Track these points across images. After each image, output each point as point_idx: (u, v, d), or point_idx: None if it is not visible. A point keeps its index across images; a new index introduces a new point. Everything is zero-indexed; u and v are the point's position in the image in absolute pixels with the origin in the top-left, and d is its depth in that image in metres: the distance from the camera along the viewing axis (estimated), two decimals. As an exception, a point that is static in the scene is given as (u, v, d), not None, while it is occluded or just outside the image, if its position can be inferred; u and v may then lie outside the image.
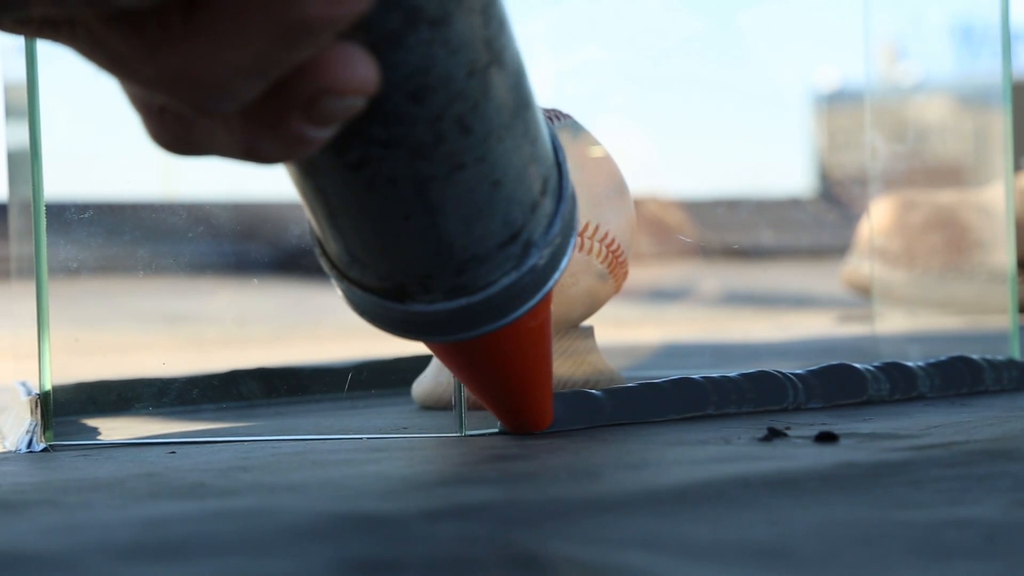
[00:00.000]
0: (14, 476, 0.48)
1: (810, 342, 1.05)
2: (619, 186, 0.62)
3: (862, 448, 0.47)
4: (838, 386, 0.59)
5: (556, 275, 0.43)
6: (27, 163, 0.55)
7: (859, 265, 1.21)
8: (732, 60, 1.05)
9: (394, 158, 0.37)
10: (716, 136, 1.09)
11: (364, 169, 0.37)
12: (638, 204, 0.64)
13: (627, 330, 0.96)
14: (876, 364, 0.61)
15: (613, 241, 0.61)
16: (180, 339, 0.92)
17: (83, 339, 0.61)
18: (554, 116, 0.61)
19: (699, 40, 0.99)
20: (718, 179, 1.18)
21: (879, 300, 1.16)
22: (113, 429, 0.59)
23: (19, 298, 0.60)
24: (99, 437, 0.57)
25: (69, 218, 0.61)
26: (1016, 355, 0.66)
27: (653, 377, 0.57)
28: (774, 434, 0.50)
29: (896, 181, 1.21)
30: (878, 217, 1.23)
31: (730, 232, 1.13)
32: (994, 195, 1.05)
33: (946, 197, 1.24)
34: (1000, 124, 0.70)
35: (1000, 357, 0.65)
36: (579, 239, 0.60)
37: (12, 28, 0.33)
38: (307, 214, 0.41)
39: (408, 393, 0.66)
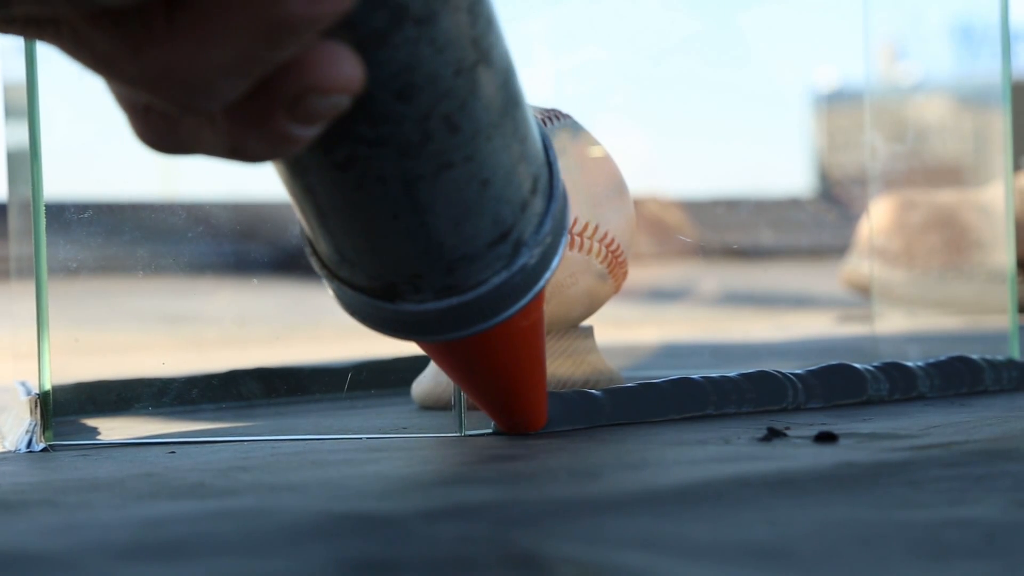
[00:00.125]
0: (13, 476, 0.48)
1: (810, 342, 1.05)
2: (619, 186, 0.62)
3: (862, 448, 0.47)
4: (838, 386, 0.59)
5: (547, 274, 0.43)
6: (27, 163, 0.55)
7: (859, 265, 1.21)
8: (732, 60, 1.05)
9: (382, 157, 0.37)
10: (716, 136, 1.09)
11: (352, 168, 0.37)
12: (638, 204, 0.64)
13: (627, 330, 0.96)
14: (876, 364, 0.61)
15: (613, 241, 0.61)
16: (180, 339, 0.92)
17: (83, 339, 0.61)
18: (554, 116, 0.61)
19: (699, 40, 0.99)
20: (718, 179, 1.18)
21: (879, 300, 1.16)
22: (113, 429, 0.59)
23: (19, 298, 0.60)
24: (99, 437, 0.57)
25: (69, 218, 0.61)
26: (1016, 355, 0.66)
27: (653, 377, 0.57)
28: (774, 434, 0.50)
29: (896, 181, 1.21)
30: (878, 217, 1.23)
31: (730, 232, 1.13)
32: (994, 195, 1.05)
33: (946, 197, 1.24)
34: (1000, 124, 0.70)
35: (1000, 357, 0.65)
36: (579, 239, 0.60)
37: None
38: (297, 214, 0.41)
39: (407, 393, 0.66)
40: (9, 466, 0.50)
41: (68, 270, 0.60)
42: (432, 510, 0.39)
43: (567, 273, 0.60)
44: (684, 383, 0.57)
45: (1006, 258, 0.71)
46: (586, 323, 0.63)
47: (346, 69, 0.34)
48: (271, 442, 0.54)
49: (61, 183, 0.57)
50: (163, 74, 0.32)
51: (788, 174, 1.39)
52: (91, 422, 0.61)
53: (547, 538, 0.35)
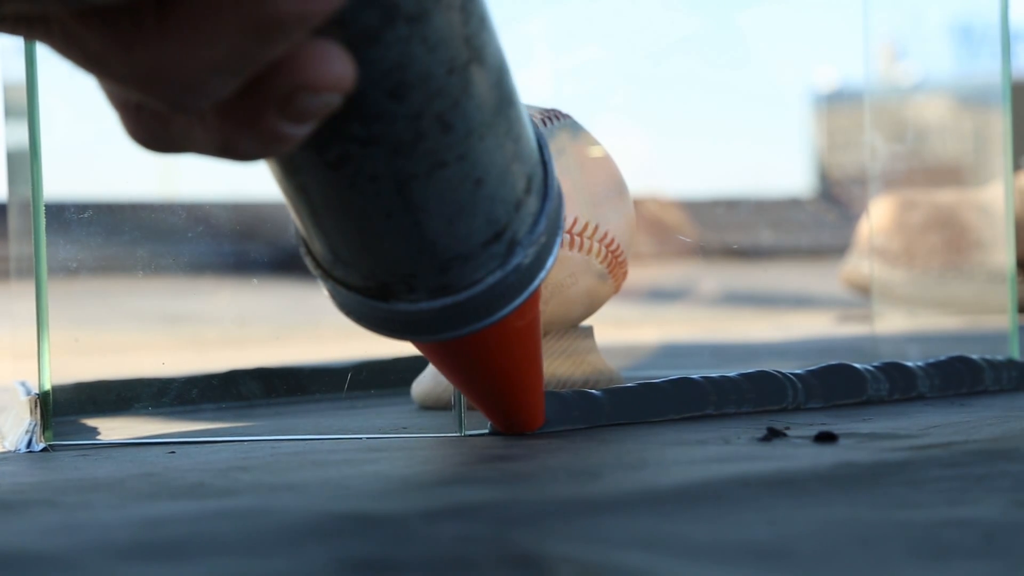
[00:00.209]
0: (13, 476, 0.48)
1: (809, 342, 1.05)
2: (619, 186, 0.62)
3: (861, 448, 0.47)
4: (837, 386, 0.59)
5: (542, 274, 0.43)
6: (26, 163, 0.55)
7: (858, 265, 1.21)
8: (731, 60, 1.05)
9: (374, 156, 0.37)
10: (715, 136, 1.09)
11: (344, 167, 0.37)
12: (638, 204, 0.64)
13: (626, 330, 0.96)
14: (875, 364, 0.61)
15: (613, 241, 0.61)
16: (179, 339, 0.92)
17: (82, 339, 0.61)
18: (554, 116, 0.61)
19: (699, 40, 0.99)
20: (717, 179, 1.18)
21: (878, 300, 1.16)
22: (112, 429, 0.59)
23: (18, 298, 0.60)
24: (98, 437, 0.57)
25: (68, 218, 0.61)
26: (1015, 355, 0.66)
27: (652, 377, 0.57)
28: (773, 434, 0.50)
29: (895, 181, 1.21)
30: (877, 217, 1.23)
31: (729, 232, 1.13)
32: (993, 195, 1.05)
33: (945, 197, 1.24)
34: (999, 124, 0.70)
35: (999, 357, 0.65)
36: (579, 239, 0.60)
37: None
38: (291, 213, 0.41)
39: (407, 393, 0.66)
40: (9, 466, 0.50)
41: (68, 270, 0.60)
42: (432, 510, 0.39)
43: (567, 273, 0.60)
44: (684, 383, 0.57)
45: (1006, 258, 0.71)
46: (586, 323, 0.63)
47: (337, 67, 0.34)
48: (271, 442, 0.54)
49: (61, 183, 0.57)
50: (153, 72, 0.32)
51: (788, 174, 1.39)
52: (91, 422, 0.61)
53: (547, 538, 0.35)
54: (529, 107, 0.62)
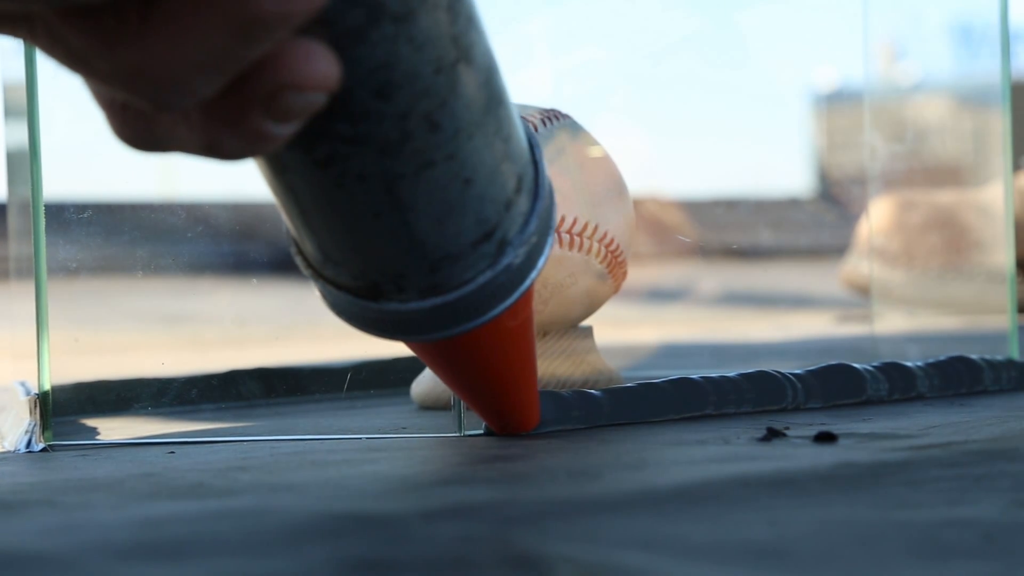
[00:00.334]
0: (13, 476, 0.48)
1: (809, 342, 1.05)
2: (618, 186, 0.62)
3: (861, 448, 0.47)
4: (837, 386, 0.59)
5: (533, 274, 0.43)
6: (26, 163, 0.55)
7: (858, 265, 1.21)
8: (731, 60, 1.05)
9: (361, 155, 0.37)
10: (715, 136, 1.09)
11: (332, 166, 0.37)
12: (637, 204, 0.64)
13: (626, 330, 0.96)
14: (875, 364, 0.61)
15: (612, 241, 0.61)
16: (179, 339, 0.92)
17: (82, 339, 0.61)
18: (553, 116, 0.61)
19: (698, 40, 0.99)
20: (717, 179, 1.18)
21: (878, 300, 1.16)
22: (112, 429, 0.59)
23: (18, 298, 0.60)
24: (98, 437, 0.57)
25: (68, 218, 0.61)
26: (1015, 355, 0.66)
27: (652, 377, 0.57)
28: (773, 434, 0.50)
29: (895, 181, 1.21)
30: (877, 217, 1.23)
31: (729, 232, 1.13)
32: (993, 195, 1.05)
33: (945, 197, 1.24)
34: (999, 124, 0.70)
35: (999, 357, 0.65)
36: (578, 239, 0.60)
37: None
38: (281, 213, 0.41)
39: (407, 393, 0.66)
40: (8, 466, 0.50)
41: (67, 270, 0.60)
42: (431, 510, 0.39)
43: (567, 273, 0.60)
44: (683, 383, 0.57)
45: (1005, 258, 0.71)
46: (585, 323, 0.63)
47: (322, 66, 0.34)
48: (270, 442, 0.54)
49: (60, 183, 0.57)
50: (136, 71, 0.32)
51: (787, 174, 1.39)
52: (90, 422, 0.61)
53: (546, 538, 0.35)
54: (529, 107, 0.62)
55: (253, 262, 0.76)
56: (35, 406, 0.54)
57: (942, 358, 0.63)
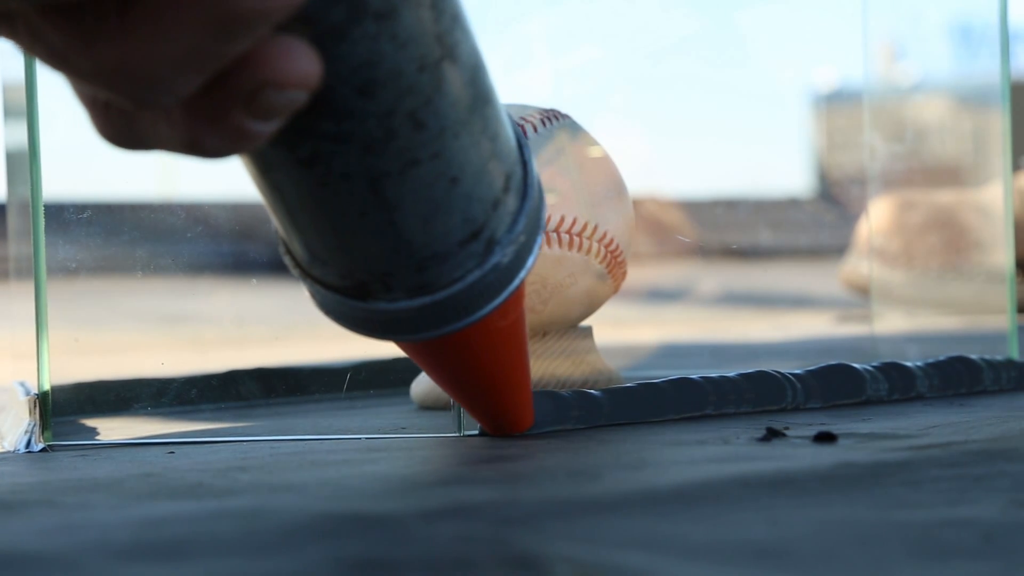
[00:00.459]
0: (12, 476, 0.48)
1: (809, 342, 1.05)
2: (618, 186, 0.62)
3: (860, 448, 0.47)
4: (837, 386, 0.59)
5: (522, 273, 0.43)
6: (26, 163, 0.55)
7: (858, 265, 1.21)
8: (730, 60, 1.05)
9: (345, 153, 0.37)
10: (715, 136, 1.09)
11: (316, 165, 0.37)
12: (637, 204, 0.64)
13: (626, 330, 0.96)
14: (875, 364, 0.61)
15: (612, 241, 0.61)
16: (179, 339, 0.92)
17: (82, 339, 0.61)
18: (553, 116, 0.61)
19: (698, 40, 0.99)
20: (717, 179, 1.18)
21: (878, 300, 1.16)
22: (112, 429, 0.59)
23: (18, 298, 0.60)
24: (98, 437, 0.57)
25: (67, 218, 0.61)
26: (1015, 355, 0.66)
27: (652, 377, 0.57)
28: (773, 434, 0.50)
29: (895, 181, 1.21)
30: (877, 217, 1.23)
31: (729, 232, 1.13)
32: (993, 195, 1.05)
33: (945, 197, 1.24)
34: (999, 124, 0.70)
35: (999, 357, 0.65)
36: (578, 239, 0.60)
37: None
38: (268, 212, 0.41)
39: (407, 393, 0.66)
40: (8, 466, 0.50)
41: (67, 270, 0.60)
42: (431, 510, 0.39)
43: (566, 273, 0.60)
44: (683, 383, 0.57)
45: (1005, 258, 0.71)
46: (585, 323, 0.63)
47: (302, 64, 0.34)
48: (270, 442, 0.54)
49: (60, 183, 0.57)
50: (116, 69, 0.32)
51: (787, 174, 1.39)
52: (90, 422, 0.61)
53: (546, 538, 0.35)
54: (529, 107, 0.62)
55: (252, 262, 0.76)
56: (35, 406, 0.54)
57: (942, 358, 0.63)
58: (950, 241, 1.22)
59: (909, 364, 0.62)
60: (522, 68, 0.77)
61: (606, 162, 0.62)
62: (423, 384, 0.64)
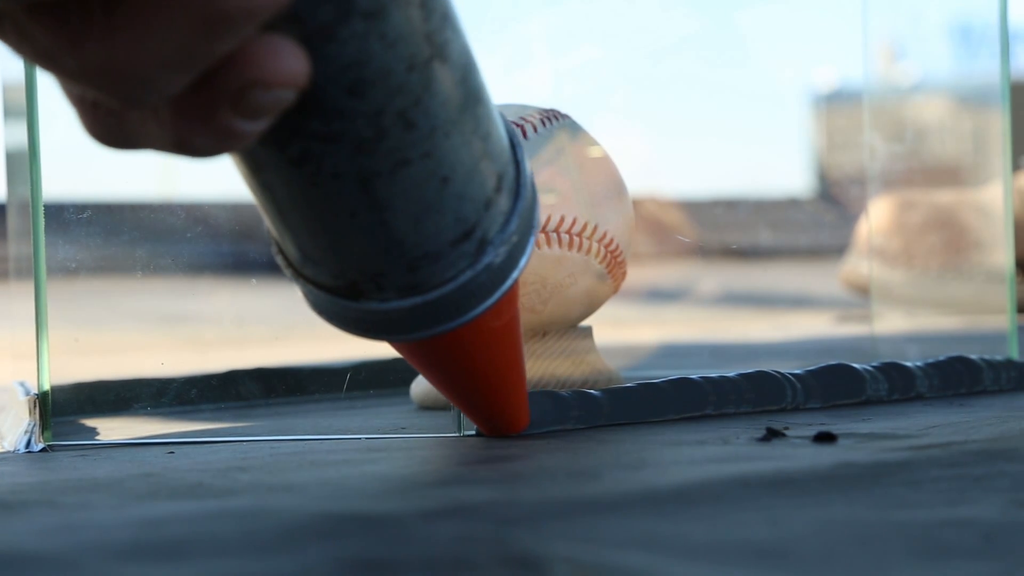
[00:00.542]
0: (12, 476, 0.48)
1: (808, 342, 1.05)
2: (618, 186, 0.62)
3: (860, 448, 0.47)
4: (836, 386, 0.59)
5: (515, 274, 0.43)
6: (25, 163, 0.55)
7: (857, 265, 1.21)
8: (730, 60, 1.05)
9: (335, 153, 0.37)
10: (714, 136, 1.09)
11: (306, 164, 0.37)
12: (637, 204, 0.64)
13: (626, 330, 0.96)
14: (874, 364, 0.61)
15: (612, 241, 0.61)
16: (178, 339, 0.92)
17: (81, 339, 0.61)
18: (553, 116, 0.61)
19: (697, 40, 0.99)
20: (716, 179, 1.18)
21: (877, 300, 1.16)
22: (111, 429, 0.59)
23: (17, 298, 0.60)
24: (97, 437, 0.57)
25: (67, 218, 0.61)
26: (1014, 355, 0.66)
27: (652, 377, 0.57)
28: (772, 434, 0.50)
29: (894, 181, 1.21)
30: (877, 217, 1.23)
31: (729, 232, 1.13)
32: (993, 195, 1.05)
33: (945, 197, 1.24)
34: (998, 124, 0.70)
35: (998, 357, 0.65)
36: (578, 239, 0.60)
37: None
38: (260, 212, 0.41)
39: (406, 393, 0.66)
40: (8, 466, 0.50)
41: (67, 270, 0.60)
42: (431, 510, 0.39)
43: (566, 273, 0.60)
44: (683, 383, 0.57)
45: (1005, 258, 0.71)
46: (585, 323, 0.63)
47: (290, 63, 0.34)
48: (270, 442, 0.54)
49: (60, 183, 0.57)
50: (103, 68, 0.32)
51: (787, 174, 1.39)
52: (90, 422, 0.61)
53: (546, 538, 0.35)
54: (529, 107, 0.62)
55: (252, 262, 0.76)
56: (35, 406, 0.54)
57: (942, 358, 0.63)
58: (950, 241, 1.22)
59: (909, 364, 0.62)
60: (522, 68, 0.77)
61: (606, 162, 0.62)
62: (423, 384, 0.64)
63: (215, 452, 0.51)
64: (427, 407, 0.64)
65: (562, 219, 0.59)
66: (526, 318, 0.60)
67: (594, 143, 0.62)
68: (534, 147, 0.60)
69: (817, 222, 1.37)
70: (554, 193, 0.59)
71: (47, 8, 0.32)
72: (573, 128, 0.62)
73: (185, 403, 0.65)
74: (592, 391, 0.55)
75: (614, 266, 0.61)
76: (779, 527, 0.35)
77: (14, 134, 0.58)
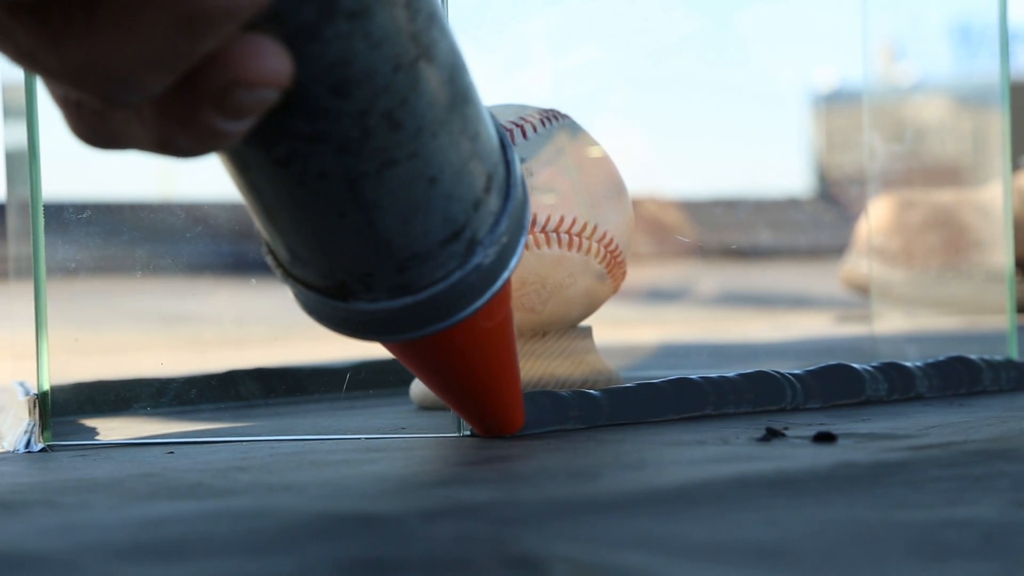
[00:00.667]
0: (12, 476, 0.48)
1: (808, 342, 1.05)
2: (617, 186, 0.62)
3: (860, 448, 0.47)
4: (836, 386, 0.59)
5: (505, 274, 0.43)
6: (25, 163, 0.55)
7: (857, 265, 1.21)
8: (730, 60, 1.05)
9: (321, 153, 0.37)
10: (714, 136, 1.09)
11: (292, 164, 0.37)
12: (636, 204, 0.64)
13: (625, 330, 0.96)
14: (874, 364, 0.61)
15: (611, 241, 0.61)
16: (178, 339, 0.92)
17: (81, 339, 0.61)
18: (552, 116, 0.61)
19: (697, 40, 0.99)
20: (716, 179, 1.18)
21: (877, 300, 1.16)
22: (111, 429, 0.59)
23: (17, 298, 0.60)
24: (97, 437, 0.57)
25: (67, 218, 0.61)
26: (1014, 355, 0.66)
27: (651, 377, 0.57)
28: (772, 434, 0.50)
29: (894, 181, 1.21)
30: (876, 217, 1.23)
31: (728, 232, 1.13)
32: (992, 195, 1.05)
33: (944, 197, 1.24)
34: (998, 124, 0.70)
35: (998, 357, 0.65)
36: (577, 239, 0.60)
37: None
38: (249, 212, 0.41)
39: (406, 393, 0.66)
40: (8, 466, 0.50)
41: (66, 270, 0.60)
42: (431, 510, 0.39)
43: (566, 273, 0.60)
44: (683, 383, 0.57)
45: (1004, 258, 0.71)
46: (585, 323, 0.63)
47: (272, 62, 0.34)
48: (270, 442, 0.54)
49: (60, 183, 0.57)
50: (84, 67, 0.32)
51: (786, 174, 1.39)
52: (90, 422, 0.61)
53: (546, 538, 0.35)
54: (528, 107, 0.62)
55: (252, 262, 0.76)
56: (34, 406, 0.54)
57: (941, 358, 0.63)
58: (950, 241, 1.22)
59: (909, 364, 0.62)
60: (522, 68, 0.77)
61: (606, 162, 0.62)
62: (423, 385, 0.64)
63: (215, 452, 0.51)
64: (427, 407, 0.64)
65: (562, 219, 0.59)
66: (526, 318, 0.60)
67: (594, 143, 0.62)
68: (534, 147, 0.60)
69: (817, 222, 1.37)
70: (554, 193, 0.59)
71: (28, 7, 0.32)
72: (573, 128, 0.62)
73: (185, 403, 0.65)
74: (592, 391, 0.55)
75: (614, 266, 0.61)
76: (779, 527, 0.35)
77: (14, 134, 0.58)
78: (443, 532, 0.35)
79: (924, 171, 1.32)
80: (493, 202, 0.41)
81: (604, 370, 0.63)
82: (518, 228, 0.43)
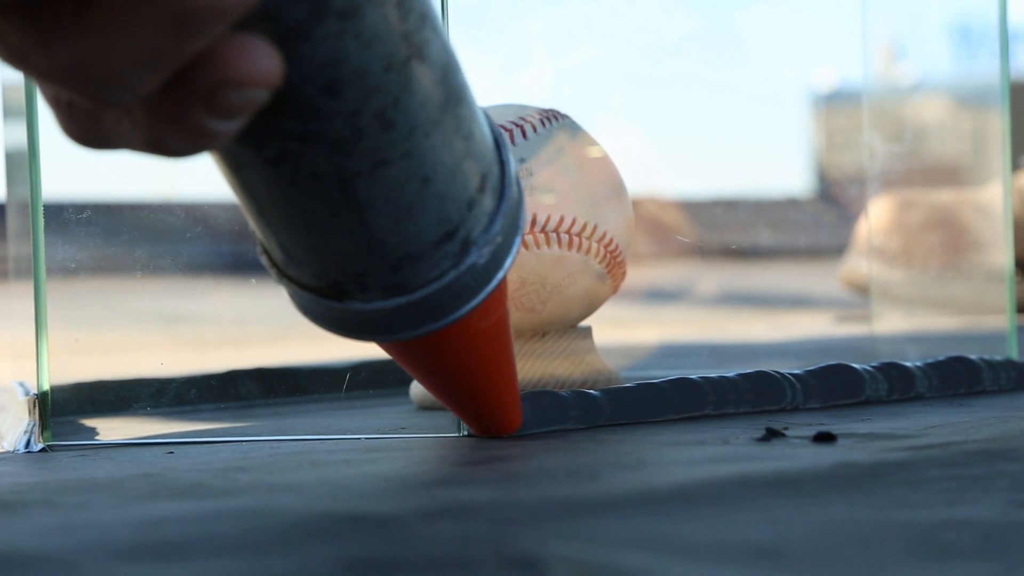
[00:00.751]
0: (12, 476, 0.48)
1: (808, 342, 1.05)
2: (617, 186, 0.62)
3: (860, 448, 0.47)
4: (836, 386, 0.59)
5: (500, 274, 0.42)
6: (25, 163, 0.55)
7: (857, 265, 1.21)
8: (730, 60, 1.05)
9: (313, 153, 0.37)
10: (714, 136, 1.09)
11: (285, 164, 0.37)
12: (636, 204, 0.64)
13: (625, 330, 0.96)
14: (874, 364, 0.61)
15: (611, 241, 0.61)
16: (178, 339, 0.92)
17: (81, 339, 0.61)
18: (552, 116, 0.61)
19: (697, 40, 0.99)
20: (716, 179, 1.18)
21: (877, 300, 1.16)
22: (111, 429, 0.59)
23: (17, 298, 0.60)
24: (97, 437, 0.57)
25: (67, 218, 0.61)
26: (1014, 355, 0.66)
27: (651, 377, 0.57)
28: (772, 434, 0.50)
29: (894, 181, 1.21)
30: (876, 217, 1.23)
31: (728, 232, 1.13)
32: (992, 195, 1.05)
33: (944, 197, 1.24)
34: (998, 124, 0.70)
35: (998, 357, 0.65)
36: (577, 239, 0.60)
37: None
38: (244, 212, 0.41)
39: (406, 393, 0.66)
40: (8, 466, 0.50)
41: (66, 270, 0.60)
42: (431, 510, 0.39)
43: (566, 273, 0.60)
44: (683, 383, 0.57)
45: (1004, 258, 0.71)
46: (585, 323, 0.63)
47: (262, 62, 0.34)
48: (269, 442, 0.54)
49: (59, 183, 0.57)
50: (73, 67, 0.32)
51: (786, 174, 1.39)
52: (89, 422, 0.61)
53: (546, 538, 0.35)
54: (528, 107, 0.62)
55: (252, 262, 0.76)
56: (34, 406, 0.54)
57: (941, 358, 0.63)
58: (949, 241, 1.22)
59: (908, 364, 0.62)
60: (522, 68, 0.77)
61: (606, 162, 0.62)
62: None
63: (215, 452, 0.51)
64: (426, 407, 0.64)
65: (561, 219, 0.59)
66: (526, 318, 0.60)
67: (594, 143, 0.62)
68: (534, 147, 0.60)
69: (817, 222, 1.37)
70: (554, 193, 0.59)
71: (17, 7, 0.32)
72: (573, 128, 0.62)
73: (185, 403, 0.65)
74: (592, 391, 0.55)
75: (614, 266, 0.61)
76: (779, 527, 0.35)
77: (14, 134, 0.58)
78: (443, 532, 0.35)
79: (924, 171, 1.32)
80: (487, 202, 0.41)
81: (604, 370, 0.63)
82: (513, 228, 0.43)
